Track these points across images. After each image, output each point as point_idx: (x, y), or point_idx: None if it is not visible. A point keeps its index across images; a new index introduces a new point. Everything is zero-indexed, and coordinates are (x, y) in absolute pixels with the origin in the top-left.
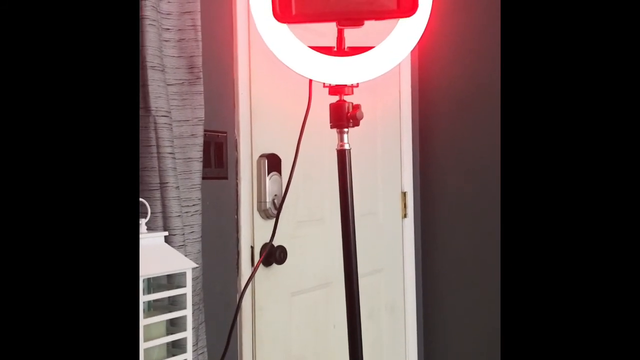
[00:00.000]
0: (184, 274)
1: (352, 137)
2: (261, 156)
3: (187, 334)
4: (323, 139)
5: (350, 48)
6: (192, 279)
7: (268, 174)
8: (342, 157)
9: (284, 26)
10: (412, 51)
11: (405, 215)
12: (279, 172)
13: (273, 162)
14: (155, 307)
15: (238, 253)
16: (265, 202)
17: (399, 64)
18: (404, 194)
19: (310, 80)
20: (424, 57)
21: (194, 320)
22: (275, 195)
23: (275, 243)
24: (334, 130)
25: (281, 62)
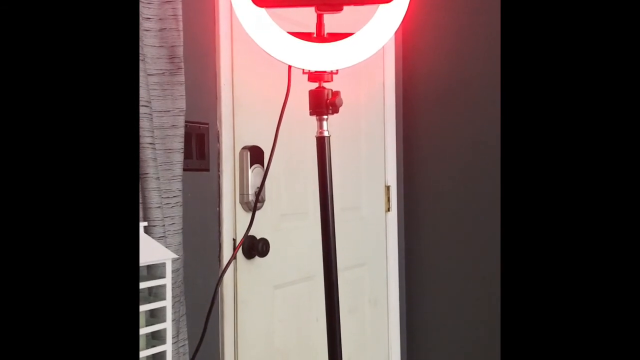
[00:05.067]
0: (163, 265)
1: (336, 130)
2: (244, 148)
3: (167, 325)
4: (306, 133)
5: (330, 34)
6: (173, 271)
7: (250, 166)
8: (322, 144)
9: (263, 11)
10: (396, 39)
11: (388, 209)
12: (262, 164)
13: (256, 154)
14: None
15: (220, 246)
16: (248, 194)
17: (383, 53)
18: (388, 188)
19: (290, 67)
20: (408, 47)
21: (174, 313)
22: (258, 187)
23: (258, 236)
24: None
25: (263, 53)
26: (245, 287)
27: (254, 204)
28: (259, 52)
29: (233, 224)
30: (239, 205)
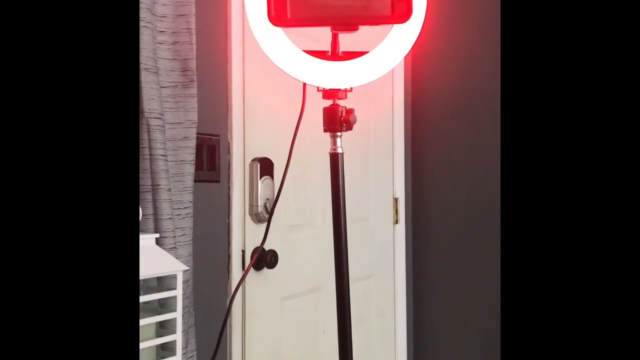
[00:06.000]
0: (174, 277)
1: (345, 143)
2: (254, 160)
3: (177, 337)
4: (315, 143)
5: (345, 52)
6: (183, 282)
7: (260, 178)
8: (335, 161)
9: (279, 30)
10: (405, 57)
11: (396, 221)
12: (271, 176)
13: (265, 166)
14: (144, 310)
15: (229, 257)
16: (257, 206)
17: (392, 70)
18: (396, 200)
19: (304, 84)
20: (417, 63)
21: (183, 324)
22: (267, 199)
23: (267, 247)
24: (327, 135)
25: (275, 66)
26: (254, 298)
27: (269, 218)
28: (270, 65)
29: (242, 235)
30: (248, 217)
